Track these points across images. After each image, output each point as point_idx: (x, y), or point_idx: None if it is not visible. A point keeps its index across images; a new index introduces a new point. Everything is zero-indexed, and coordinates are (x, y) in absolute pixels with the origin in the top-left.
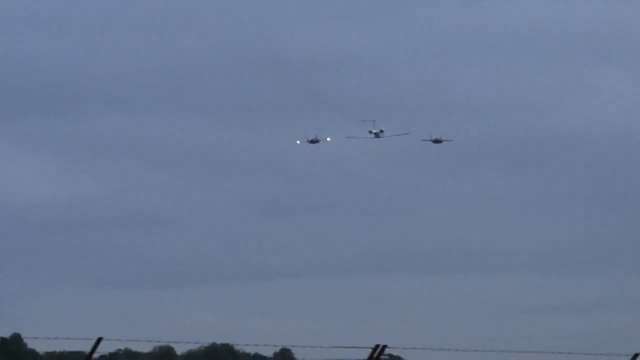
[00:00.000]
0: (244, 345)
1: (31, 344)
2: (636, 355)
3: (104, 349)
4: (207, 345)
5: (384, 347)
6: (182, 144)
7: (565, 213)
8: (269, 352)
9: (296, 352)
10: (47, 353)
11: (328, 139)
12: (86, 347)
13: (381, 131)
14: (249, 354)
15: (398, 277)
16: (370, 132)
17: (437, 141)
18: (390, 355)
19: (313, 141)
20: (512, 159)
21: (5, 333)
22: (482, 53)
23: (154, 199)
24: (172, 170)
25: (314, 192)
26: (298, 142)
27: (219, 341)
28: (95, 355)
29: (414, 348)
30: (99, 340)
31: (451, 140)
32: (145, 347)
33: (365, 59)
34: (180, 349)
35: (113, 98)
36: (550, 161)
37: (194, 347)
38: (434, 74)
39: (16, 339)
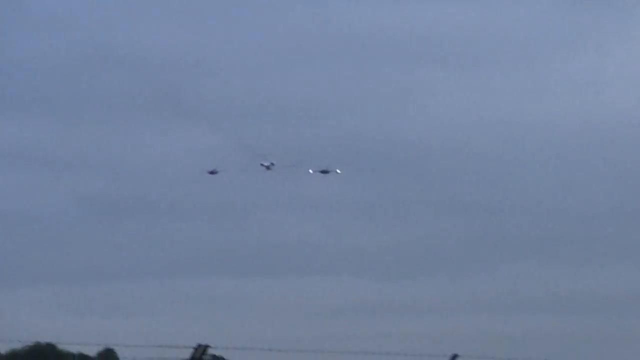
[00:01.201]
0: (67, 344)
1: None
2: (455, 356)
3: None
4: (30, 344)
5: (207, 346)
6: (18, 143)
7: (395, 217)
8: (92, 351)
9: (120, 351)
10: None
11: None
12: None
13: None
14: (72, 354)
15: (221, 278)
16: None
17: (324, 172)
18: (214, 356)
19: (212, 172)
20: (348, 163)
21: None
22: (320, 57)
23: None
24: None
25: (144, 193)
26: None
27: (42, 340)
28: None
29: (236, 348)
30: None
31: (338, 172)
32: None
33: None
34: (2, 349)
35: None
36: (386, 165)
37: (17, 346)
38: (272, 76)
39: None
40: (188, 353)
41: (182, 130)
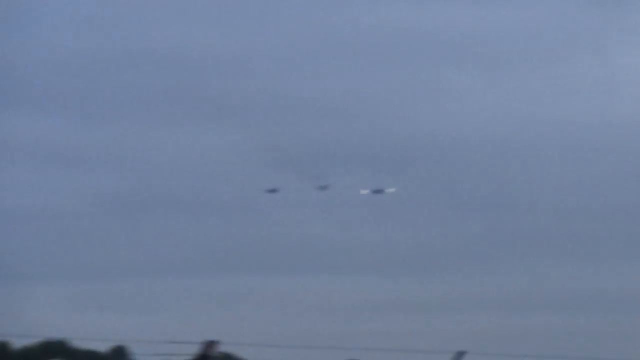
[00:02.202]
0: (79, 340)
1: None
2: (461, 353)
3: None
4: (42, 340)
5: (216, 342)
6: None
7: (407, 214)
8: (104, 347)
9: (131, 347)
10: None
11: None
12: None
13: None
14: (83, 350)
15: (234, 276)
16: None
17: (377, 192)
18: (225, 353)
19: (272, 191)
20: (362, 160)
21: None
22: (334, 54)
23: None
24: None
25: (160, 191)
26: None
27: (54, 337)
28: None
29: (244, 344)
30: None
31: (392, 190)
32: None
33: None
34: (16, 344)
35: None
36: (398, 164)
37: (30, 342)
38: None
39: None
40: (197, 349)
41: (201, 128)
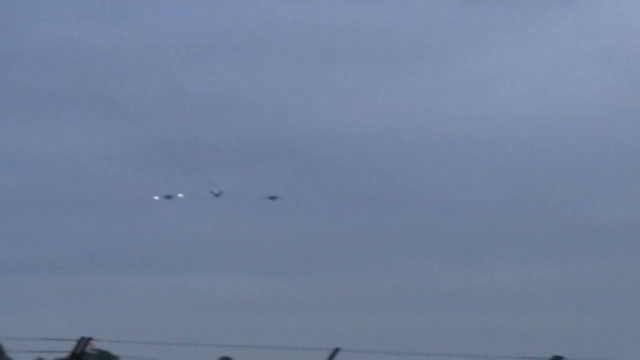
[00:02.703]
0: None
1: None
2: (336, 349)
3: None
4: None
5: (90, 339)
6: None
7: (289, 212)
8: None
9: (6, 344)
10: None
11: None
12: None
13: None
14: None
15: (110, 274)
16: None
17: (272, 198)
18: (100, 350)
19: (168, 197)
20: (246, 159)
21: None
22: (227, 49)
23: None
24: None
25: (36, 187)
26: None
27: None
28: None
29: (120, 341)
30: None
31: (282, 197)
32: None
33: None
34: None
35: None
36: (280, 161)
37: None
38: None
39: None
40: (71, 346)
41: (87, 125)
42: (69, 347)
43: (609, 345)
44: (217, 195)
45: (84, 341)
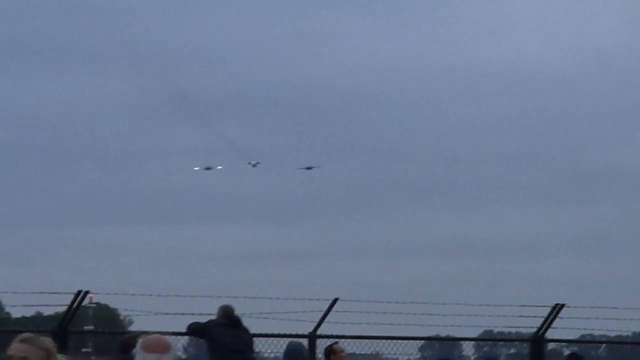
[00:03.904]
0: None
1: None
2: (335, 299)
3: None
4: None
5: (87, 292)
6: None
7: (291, 161)
8: None
9: (3, 299)
10: None
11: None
12: None
13: None
14: None
15: (113, 226)
16: None
17: (308, 168)
18: (98, 304)
19: (208, 168)
20: (259, 111)
21: None
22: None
23: None
24: None
25: (36, 140)
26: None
27: None
28: None
29: (119, 294)
30: None
31: (319, 167)
32: None
33: None
34: None
35: None
36: (284, 110)
37: None
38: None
39: None
40: (69, 299)
41: (85, 75)
42: (67, 300)
43: (614, 293)
44: (254, 165)
45: (81, 294)
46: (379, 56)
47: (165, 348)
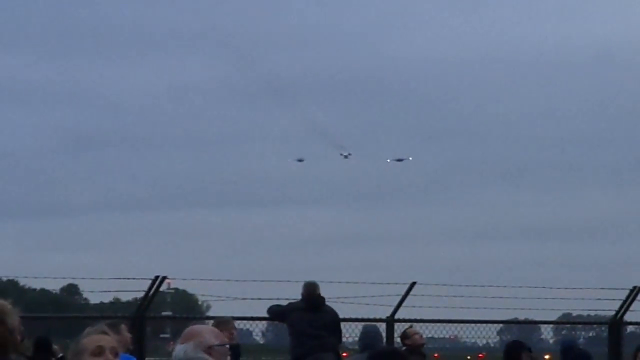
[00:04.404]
0: (30, 279)
1: None
2: (413, 283)
3: None
4: None
5: (164, 277)
6: None
7: (364, 145)
8: (56, 286)
9: (82, 285)
10: None
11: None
12: None
13: None
14: (34, 289)
15: (190, 211)
16: None
17: (399, 160)
18: (176, 289)
19: (300, 160)
20: (339, 94)
21: None
22: None
23: None
24: None
25: (119, 126)
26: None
27: (5, 276)
28: None
29: (195, 279)
30: None
31: (410, 159)
32: None
33: None
34: None
35: None
36: (357, 94)
37: None
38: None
39: None
40: (146, 285)
41: (157, 62)
42: (145, 286)
43: None
44: (346, 157)
45: (159, 279)
46: (459, 39)
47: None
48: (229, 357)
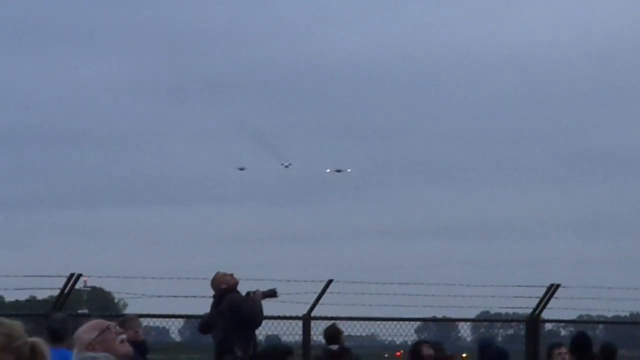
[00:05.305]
0: None
1: None
2: (330, 281)
3: None
4: None
5: (79, 275)
6: None
7: (292, 142)
8: None
9: None
10: None
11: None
12: None
13: None
14: None
15: (110, 209)
16: None
17: (338, 171)
18: (93, 287)
19: (241, 169)
20: (268, 89)
21: None
22: None
23: None
24: None
25: (39, 123)
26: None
27: None
28: None
29: (112, 277)
30: None
31: (349, 170)
32: None
33: None
34: None
35: None
36: (285, 91)
37: None
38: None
39: None
40: (61, 282)
41: (88, 59)
42: (61, 284)
43: (612, 274)
44: (286, 167)
45: (74, 277)
46: (380, 36)
47: None
48: (131, 350)
